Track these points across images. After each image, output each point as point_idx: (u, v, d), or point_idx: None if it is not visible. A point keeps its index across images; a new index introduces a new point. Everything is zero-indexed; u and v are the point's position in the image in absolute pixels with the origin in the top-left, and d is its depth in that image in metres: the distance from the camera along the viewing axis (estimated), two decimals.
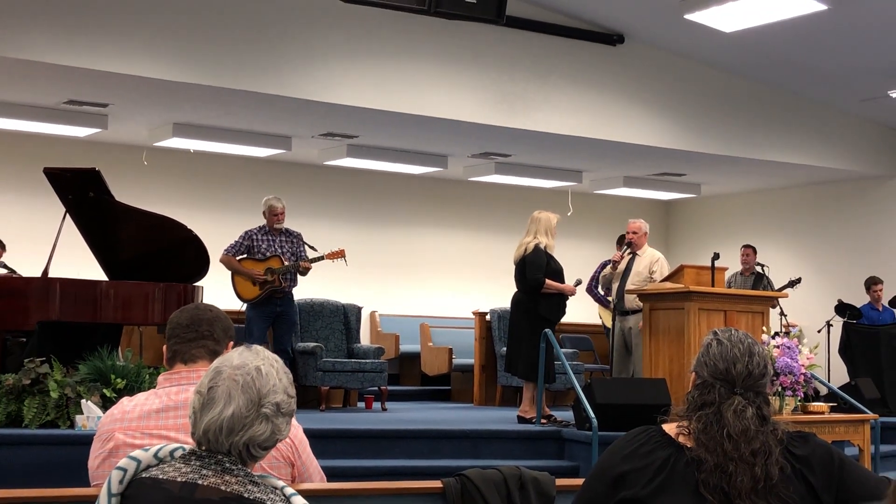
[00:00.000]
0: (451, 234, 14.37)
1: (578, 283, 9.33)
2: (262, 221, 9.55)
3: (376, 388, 10.40)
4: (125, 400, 3.00)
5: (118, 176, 10.37)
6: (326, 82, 9.75)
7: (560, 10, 10.71)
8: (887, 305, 12.23)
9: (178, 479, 2.17)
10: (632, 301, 9.37)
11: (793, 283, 11.80)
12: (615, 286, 9.60)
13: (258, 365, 2.25)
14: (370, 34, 9.86)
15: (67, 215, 8.09)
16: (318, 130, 11.26)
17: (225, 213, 12.29)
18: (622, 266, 9.61)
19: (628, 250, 9.65)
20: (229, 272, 9.40)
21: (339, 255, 9.51)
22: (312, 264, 9.41)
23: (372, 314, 13.31)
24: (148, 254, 8.30)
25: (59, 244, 7.88)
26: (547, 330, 8.57)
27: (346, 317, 10.91)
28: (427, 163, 12.66)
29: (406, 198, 14.05)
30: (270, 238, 9.45)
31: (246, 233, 9.46)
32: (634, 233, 9.69)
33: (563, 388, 11.00)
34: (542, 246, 8.94)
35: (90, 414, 6.52)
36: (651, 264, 9.60)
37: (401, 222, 14.05)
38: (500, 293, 11.21)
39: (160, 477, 2.19)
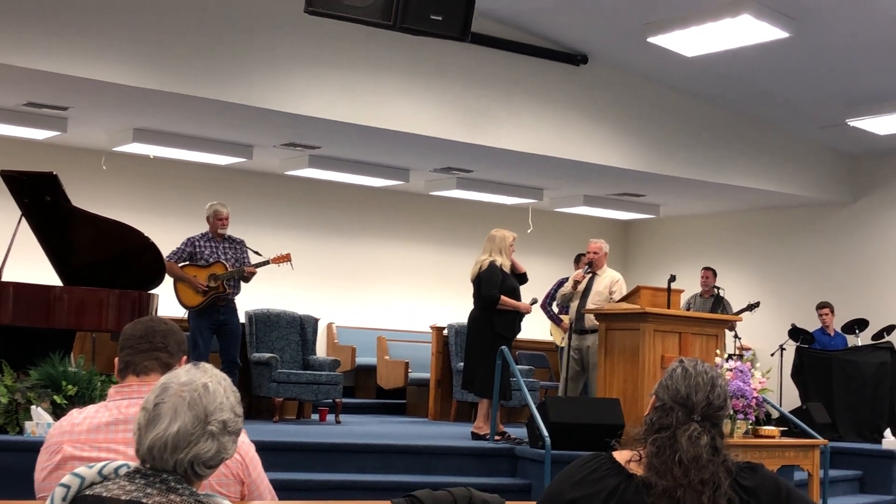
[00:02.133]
0: (412, 247, 14.37)
1: (534, 301, 9.37)
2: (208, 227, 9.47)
3: (331, 401, 10.37)
4: (74, 412, 2.96)
5: (76, 180, 10.30)
6: (290, 92, 9.72)
7: (525, 29, 10.75)
8: (839, 331, 12.35)
9: (123, 498, 2.14)
10: (591, 320, 9.42)
11: (752, 307, 11.90)
12: (574, 305, 9.64)
13: (205, 382, 2.23)
14: (335, 46, 9.85)
15: (23, 219, 8.01)
16: (280, 140, 11.22)
17: (184, 221, 12.18)
18: (582, 285, 9.65)
19: (589, 269, 9.69)
20: (171, 279, 9.30)
21: (285, 259, 9.45)
22: (258, 269, 9.34)
23: (329, 326, 13.28)
24: (104, 260, 8.22)
25: (13, 248, 7.79)
26: (503, 347, 8.59)
27: (303, 328, 10.87)
28: (389, 176, 12.65)
29: (367, 210, 14.04)
30: (213, 244, 9.37)
31: (188, 239, 9.38)
32: (595, 252, 9.74)
33: (518, 405, 11.02)
34: (497, 263, 8.97)
35: (40, 420, 6.45)
36: (611, 284, 9.66)
37: (361, 234, 14.04)
38: (458, 308, 11.22)
39: (104, 495, 2.17)
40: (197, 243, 9.34)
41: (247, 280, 9.39)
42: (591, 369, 9.45)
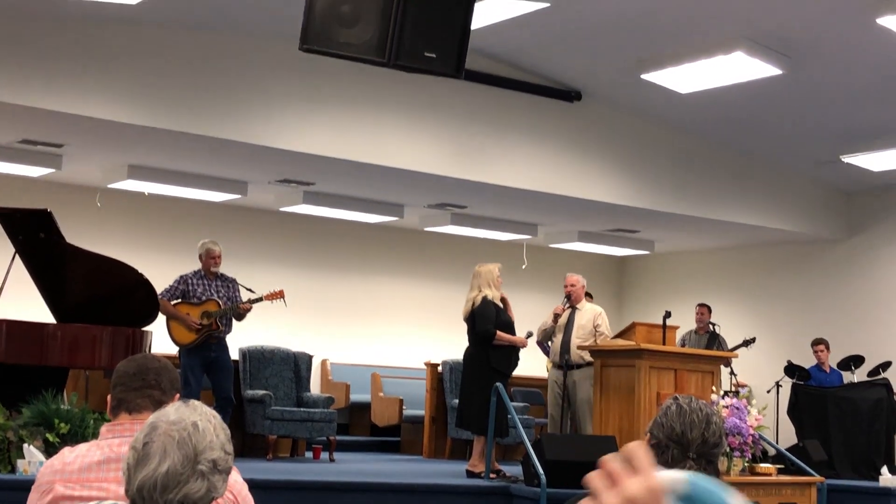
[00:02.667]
0: (406, 283, 14.35)
1: (529, 335, 9.34)
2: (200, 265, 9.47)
3: (325, 438, 10.31)
4: (66, 450, 2.94)
5: (71, 217, 10.28)
6: (284, 129, 9.74)
7: (519, 66, 10.79)
8: (835, 368, 12.32)
9: None
10: (578, 355, 9.40)
11: (747, 343, 11.87)
12: (558, 339, 9.60)
13: (195, 420, 2.21)
14: (329, 82, 9.87)
15: (17, 256, 8.00)
16: (275, 176, 11.23)
17: (178, 258, 12.15)
18: (563, 319, 9.62)
19: (568, 303, 9.67)
20: (164, 316, 9.27)
21: (278, 295, 9.42)
22: (252, 305, 9.32)
23: (323, 362, 13.23)
24: (97, 297, 8.20)
25: (7, 285, 7.77)
26: (498, 384, 8.56)
27: (297, 365, 10.83)
28: (383, 212, 12.65)
29: (361, 246, 14.03)
30: (206, 282, 9.36)
31: (181, 277, 9.37)
32: (573, 286, 9.72)
33: (514, 442, 10.96)
34: (489, 297, 8.96)
35: (32, 459, 6.41)
36: (595, 318, 9.64)
37: (355, 270, 14.01)
38: (452, 344, 11.19)
39: None
40: (189, 281, 9.33)
41: (240, 318, 9.37)
42: (580, 404, 9.40)
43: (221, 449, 2.22)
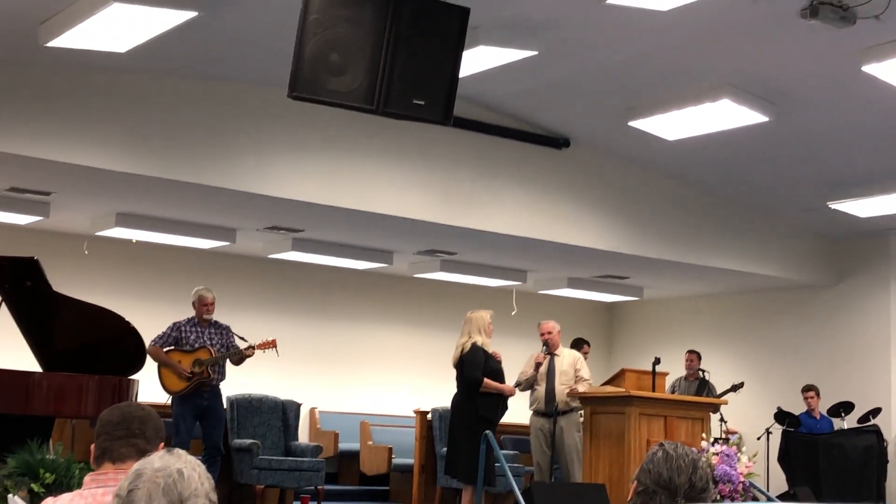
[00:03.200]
0: (395, 330, 14.30)
1: (518, 384, 9.32)
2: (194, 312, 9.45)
3: (313, 488, 10.23)
4: (49, 500, 2.91)
5: (58, 265, 10.24)
6: (273, 176, 9.74)
7: (507, 114, 10.83)
8: (825, 414, 12.29)
9: None
10: (564, 402, 9.39)
11: (735, 388, 11.85)
12: (541, 388, 9.57)
13: (180, 468, 2.18)
14: (318, 129, 9.89)
15: (3, 304, 7.96)
16: (264, 224, 11.22)
17: (167, 305, 12.12)
18: (543, 368, 9.61)
19: (547, 351, 9.67)
20: (156, 364, 9.24)
21: (271, 345, 9.39)
22: (254, 351, 9.29)
23: (311, 411, 13.15)
24: (84, 345, 8.16)
25: None
26: (488, 431, 8.52)
27: (285, 413, 10.77)
28: (372, 258, 12.64)
29: (350, 293, 14.00)
30: (199, 329, 9.34)
31: (174, 324, 9.35)
32: (549, 332, 9.74)
33: (504, 490, 10.89)
34: (479, 344, 8.95)
35: None
36: (575, 362, 9.72)
37: (344, 317, 13.97)
38: (442, 392, 11.13)
39: None
40: (182, 328, 9.31)
41: (238, 363, 9.35)
42: (568, 451, 9.37)
43: (206, 497, 2.19)
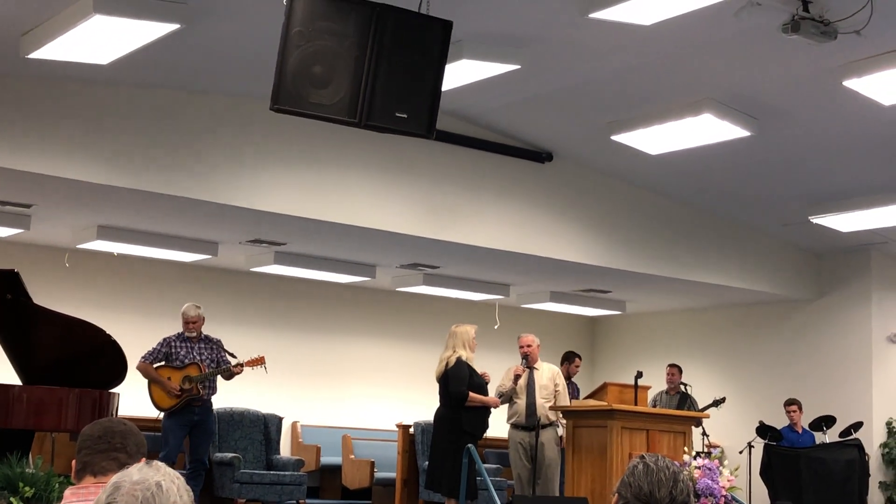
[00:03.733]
0: (378, 344, 14.28)
1: (501, 395, 9.31)
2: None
3: (294, 502, 10.20)
4: None
5: (39, 278, 10.21)
6: (255, 189, 9.72)
7: (490, 127, 10.85)
8: (807, 428, 12.32)
9: None
10: (545, 415, 9.39)
11: (717, 403, 11.86)
12: (521, 401, 9.57)
13: (158, 480, 2.16)
14: (301, 143, 9.88)
15: None
16: (246, 237, 11.19)
17: (148, 319, 12.10)
18: (522, 381, 9.62)
19: (527, 364, 9.67)
20: (146, 380, 9.22)
21: (259, 362, 9.39)
22: (243, 368, 9.28)
23: (293, 424, 13.11)
24: (65, 358, 8.12)
25: None
26: (470, 445, 8.50)
27: (267, 427, 10.73)
28: (355, 272, 12.63)
29: (333, 306, 13.97)
30: (189, 345, 9.32)
31: (164, 339, 9.32)
32: (529, 346, 9.75)
33: None
34: (463, 358, 8.95)
35: None
36: (554, 377, 9.75)
37: (327, 331, 13.94)
38: (424, 406, 11.12)
39: None
40: (172, 344, 9.28)
41: (228, 379, 9.34)
42: (550, 464, 9.37)
43: None
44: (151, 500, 2.12)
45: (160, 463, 2.24)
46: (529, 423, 9.44)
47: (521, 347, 9.73)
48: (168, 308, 11.73)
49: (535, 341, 9.78)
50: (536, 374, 9.64)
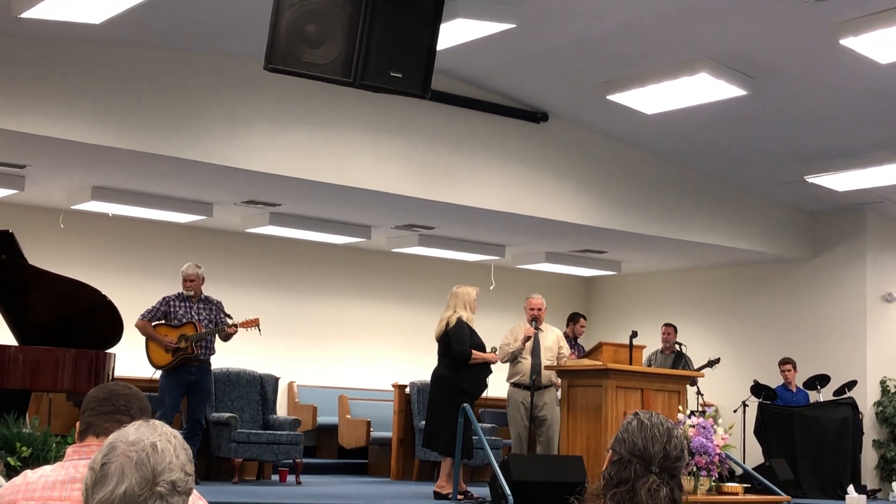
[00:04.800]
0: (373, 305, 14.30)
1: (494, 350, 9.33)
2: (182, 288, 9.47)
3: (291, 461, 10.24)
4: (28, 472, 2.92)
5: (34, 239, 10.19)
6: (250, 150, 9.70)
7: (486, 87, 10.81)
8: (801, 387, 12.38)
9: None
10: (548, 376, 9.43)
11: (712, 363, 11.91)
12: (527, 362, 9.60)
13: (154, 441, 2.16)
14: (295, 103, 9.85)
15: None
16: (241, 198, 11.18)
17: (143, 279, 12.11)
18: (529, 342, 9.65)
19: (537, 326, 9.70)
20: (144, 338, 9.25)
21: (253, 324, 9.41)
22: (237, 328, 9.30)
23: (290, 385, 13.15)
24: (60, 319, 8.13)
25: None
26: (466, 405, 8.54)
27: (263, 387, 10.77)
28: (350, 233, 12.62)
29: (328, 267, 13.98)
30: (188, 305, 9.34)
31: (164, 298, 9.36)
32: (540, 308, 9.77)
33: (482, 463, 10.94)
34: (463, 319, 8.97)
35: None
36: (559, 339, 9.79)
37: (322, 292, 13.96)
38: (420, 366, 11.16)
39: None
40: (172, 303, 9.31)
41: (225, 339, 9.37)
42: (552, 424, 9.43)
43: (181, 470, 2.17)
44: (146, 461, 2.12)
45: (158, 422, 2.24)
46: (536, 383, 9.51)
47: (532, 310, 9.75)
48: (163, 269, 11.74)
49: (544, 303, 9.83)
50: (542, 336, 9.68)
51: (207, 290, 9.68)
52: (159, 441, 2.16)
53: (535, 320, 9.70)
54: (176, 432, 2.23)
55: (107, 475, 2.12)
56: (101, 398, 3.03)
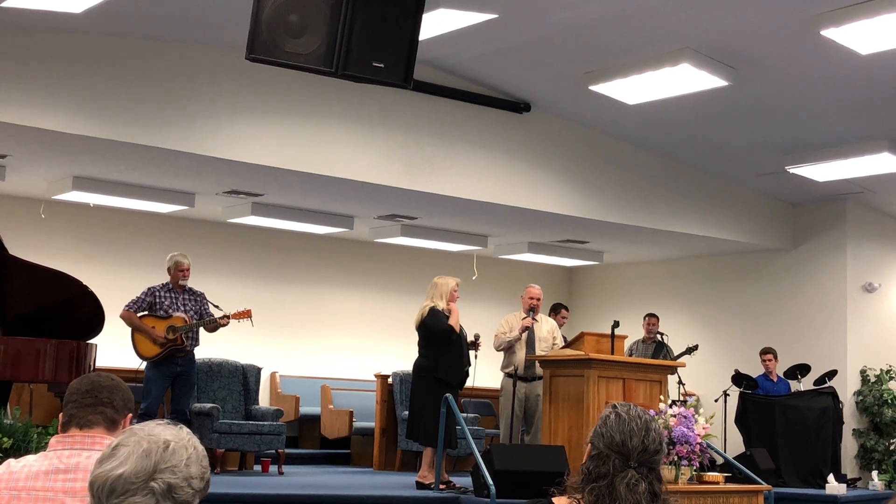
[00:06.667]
0: (356, 295, 14.29)
1: (477, 336, 9.33)
2: (165, 278, 9.40)
3: (274, 451, 10.24)
4: (11, 461, 2.92)
5: (14, 229, 10.15)
6: (232, 139, 9.67)
7: (468, 78, 10.81)
8: (782, 377, 12.44)
9: None
10: (540, 367, 9.47)
11: (690, 350, 11.96)
12: (521, 353, 9.62)
13: (169, 439, 2.15)
14: (277, 92, 9.83)
15: None
16: (223, 188, 11.15)
17: (125, 270, 12.08)
18: (525, 333, 9.68)
19: (532, 315, 9.73)
20: (129, 329, 9.21)
21: (245, 315, 9.40)
22: (229, 321, 9.29)
23: (272, 375, 13.14)
24: (42, 309, 8.10)
25: None
26: (448, 395, 8.55)
27: (245, 377, 10.75)
28: (333, 223, 12.61)
29: (311, 258, 13.96)
30: (174, 295, 9.31)
31: (149, 289, 9.30)
32: (539, 299, 9.80)
33: (465, 453, 10.96)
34: (438, 308, 8.98)
35: None
36: (553, 330, 9.82)
37: (305, 282, 13.95)
38: (403, 356, 11.16)
39: None
40: (157, 293, 9.26)
41: (212, 331, 9.35)
42: (540, 416, 9.46)
43: (185, 479, 2.14)
44: (152, 454, 2.12)
45: (187, 430, 2.22)
46: (528, 374, 9.53)
47: (531, 299, 9.78)
48: (145, 259, 11.71)
49: (541, 293, 9.88)
50: (536, 327, 9.71)
51: (190, 281, 9.66)
52: (176, 443, 2.15)
53: (533, 310, 9.72)
54: (202, 449, 2.20)
55: (114, 455, 2.13)
56: (84, 390, 3.03)
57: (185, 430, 2.23)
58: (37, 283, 8.08)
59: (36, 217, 11.81)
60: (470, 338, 9.18)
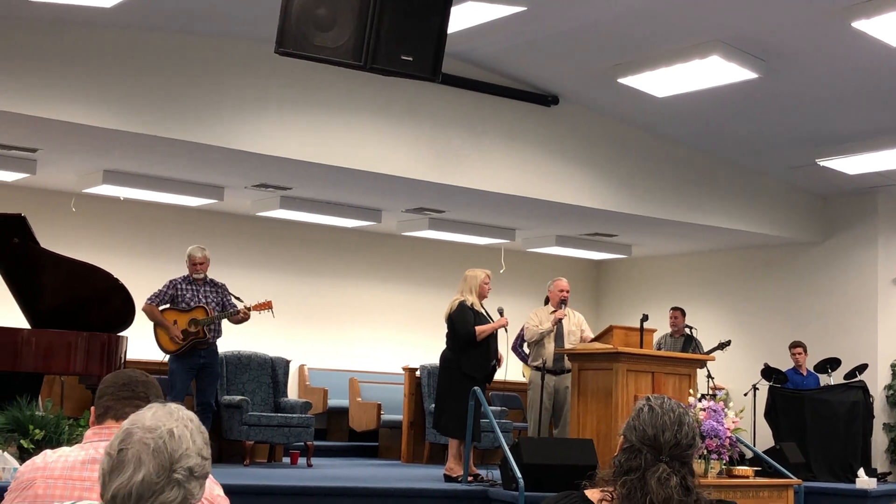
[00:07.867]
0: (383, 288, 14.32)
1: (500, 310, 9.26)
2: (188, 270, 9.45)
3: (302, 444, 10.28)
4: (48, 452, 2.96)
5: (45, 222, 10.22)
6: (261, 133, 9.70)
7: (496, 71, 10.79)
8: (812, 370, 12.37)
9: None
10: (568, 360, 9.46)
11: (722, 346, 11.90)
12: (550, 346, 9.61)
13: (171, 427, 2.16)
14: (306, 86, 9.85)
15: None
16: (252, 181, 11.19)
17: (154, 263, 12.14)
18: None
19: (564, 307, 9.72)
20: (152, 322, 9.24)
21: (266, 306, 9.41)
22: (250, 313, 9.31)
23: (301, 368, 13.19)
24: (72, 302, 8.16)
25: None
26: (476, 388, 8.55)
27: (274, 370, 10.79)
28: (360, 216, 12.63)
29: (339, 251, 14.00)
30: (195, 288, 9.33)
31: (170, 282, 9.33)
32: (568, 291, 9.79)
33: (492, 446, 10.96)
34: (467, 303, 8.97)
35: (6, 465, 6.36)
36: (581, 323, 9.79)
37: (333, 275, 13.98)
38: (430, 349, 11.17)
39: None
40: (179, 286, 9.29)
41: (236, 322, 9.37)
42: (570, 409, 9.45)
43: (198, 455, 2.17)
44: (164, 448, 2.13)
45: (174, 406, 2.24)
46: (557, 367, 9.52)
47: (562, 292, 9.77)
48: (174, 253, 11.74)
49: (569, 286, 9.90)
50: (564, 320, 9.70)
51: (218, 274, 9.70)
52: (176, 427, 2.16)
53: (564, 303, 9.71)
54: (192, 415, 2.24)
55: (124, 462, 2.12)
56: (121, 383, 3.07)
57: (169, 405, 2.24)
58: (68, 276, 8.14)
59: (67, 210, 11.89)
60: (494, 315, 9.11)
